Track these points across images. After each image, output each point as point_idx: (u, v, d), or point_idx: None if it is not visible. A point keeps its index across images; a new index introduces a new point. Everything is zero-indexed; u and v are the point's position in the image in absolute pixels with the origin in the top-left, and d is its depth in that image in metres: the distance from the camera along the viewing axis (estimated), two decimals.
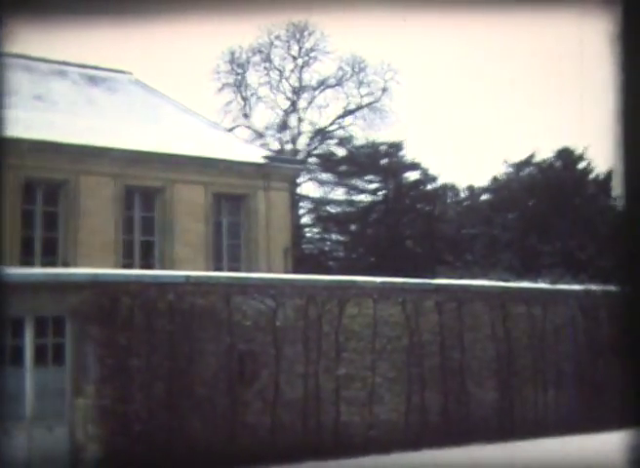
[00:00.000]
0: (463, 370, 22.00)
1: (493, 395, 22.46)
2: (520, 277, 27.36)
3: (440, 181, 41.55)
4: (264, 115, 51.86)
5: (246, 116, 51.37)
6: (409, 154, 41.13)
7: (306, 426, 19.18)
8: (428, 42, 73.38)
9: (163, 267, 26.04)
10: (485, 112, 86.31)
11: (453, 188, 42.70)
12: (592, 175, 38.18)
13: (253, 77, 51.33)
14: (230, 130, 46.53)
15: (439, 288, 22.56)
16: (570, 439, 21.71)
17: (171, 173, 27.39)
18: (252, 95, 51.52)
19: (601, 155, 43.41)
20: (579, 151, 38.30)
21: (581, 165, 38.33)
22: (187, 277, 18.85)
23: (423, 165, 40.88)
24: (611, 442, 20.96)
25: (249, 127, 51.36)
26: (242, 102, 51.35)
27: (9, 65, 4.51)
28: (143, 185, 27.25)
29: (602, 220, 33.82)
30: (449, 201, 42.21)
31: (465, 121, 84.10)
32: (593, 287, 26.21)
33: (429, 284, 22.66)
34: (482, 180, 41.17)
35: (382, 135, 49.00)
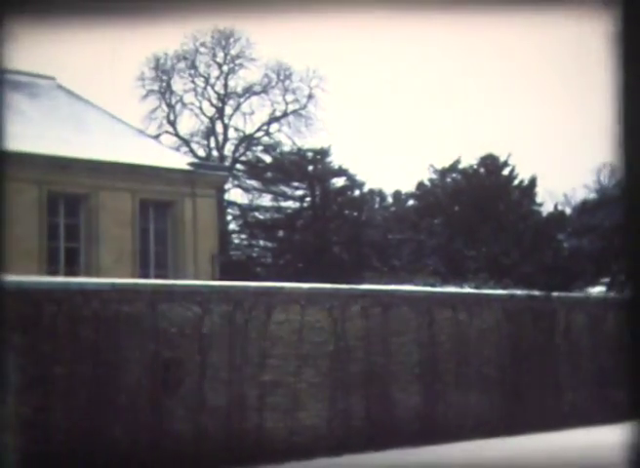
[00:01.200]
0: (388, 375, 22.17)
1: (416, 399, 22.65)
2: (445, 282, 27.64)
3: (367, 187, 41.82)
4: (190, 122, 51.56)
5: (171, 123, 51.11)
6: (336, 160, 41.32)
7: (230, 433, 19.14)
8: (355, 47, 73.76)
9: (88, 274, 25.78)
10: (414, 117, 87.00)
11: (380, 194, 43.00)
12: (516, 182, 38.73)
13: (178, 84, 51.11)
14: (156, 137, 46.25)
15: (365, 293, 22.71)
16: (491, 441, 22.02)
17: (96, 179, 27.15)
18: (177, 102, 51.29)
19: (525, 161, 44.14)
20: (503, 158, 38.83)
21: (506, 171, 38.84)
22: (113, 284, 18.72)
23: (351, 171, 41.09)
24: (530, 444, 21.35)
25: (174, 134, 51.11)
26: (167, 109, 51.08)
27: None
28: (68, 192, 26.97)
29: (525, 226, 34.35)
30: (376, 207, 42.50)
31: (394, 126, 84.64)
32: (517, 291, 26.63)
33: (356, 289, 22.80)
34: (409, 186, 41.40)
35: (309, 141, 49.18)
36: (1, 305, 5.39)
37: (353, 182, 40.87)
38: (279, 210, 40.85)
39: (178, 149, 46.59)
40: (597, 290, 32.49)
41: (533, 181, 38.81)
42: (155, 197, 28.96)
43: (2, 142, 4.35)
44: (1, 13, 4.00)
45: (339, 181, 41.08)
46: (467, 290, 26.15)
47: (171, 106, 51.14)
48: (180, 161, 31.43)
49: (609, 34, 3.67)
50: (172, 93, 51.00)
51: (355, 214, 39.66)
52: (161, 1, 4.81)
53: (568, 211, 42.64)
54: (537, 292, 26.82)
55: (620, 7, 3.67)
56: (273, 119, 52.19)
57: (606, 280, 33.64)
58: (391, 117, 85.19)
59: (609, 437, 22.70)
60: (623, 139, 3.66)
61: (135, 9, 4.70)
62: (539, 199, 39.85)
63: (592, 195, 72.15)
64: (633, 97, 3.67)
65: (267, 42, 48.88)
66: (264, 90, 52.15)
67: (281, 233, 40.37)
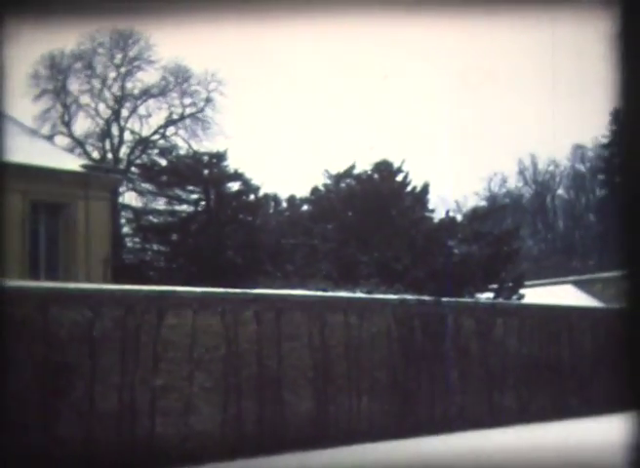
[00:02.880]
0: (280, 380, 22.32)
1: (308, 403, 22.86)
2: (338, 286, 27.94)
3: (262, 192, 41.90)
4: (85, 123, 50.93)
5: (66, 124, 50.41)
6: (232, 164, 41.29)
7: (121, 438, 19.04)
8: (255, 50, 73.86)
9: None
10: (313, 122, 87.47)
11: (275, 198, 43.13)
12: (409, 188, 39.27)
13: (74, 84, 50.43)
14: (49, 137, 45.58)
15: (258, 297, 22.83)
16: (381, 445, 22.37)
17: None
18: (72, 102, 50.60)
19: (418, 167, 44.84)
20: (397, 164, 39.32)
21: (399, 177, 39.34)
22: (1, 286, 18.40)
23: (246, 175, 41.12)
24: (420, 447, 21.74)
25: (69, 135, 50.43)
26: (62, 110, 50.34)
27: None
28: None
29: (417, 232, 34.89)
30: (271, 211, 42.61)
31: (291, 131, 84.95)
32: (408, 296, 27.08)
33: (248, 294, 22.89)
34: (304, 191, 41.64)
35: (206, 145, 49.10)
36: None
37: (248, 187, 40.90)
38: (173, 213, 40.62)
39: (72, 151, 46.03)
40: (486, 295, 33.24)
41: (425, 188, 39.43)
42: (47, 198, 28.58)
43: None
44: (1, 13, 3.99)
45: (234, 186, 41.07)
46: (359, 294, 26.49)
47: (66, 107, 50.43)
48: (74, 162, 31.05)
49: (608, 34, 3.72)
50: (67, 93, 50.32)
51: (250, 218, 39.71)
52: (159, 2, 4.84)
53: (459, 217, 43.48)
54: (427, 298, 27.32)
55: (619, 7, 3.71)
56: (170, 122, 51.97)
57: (494, 286, 34.43)
58: (289, 122, 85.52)
59: (494, 440, 23.32)
60: (623, 138, 3.72)
61: (135, 9, 4.73)
62: (431, 205, 40.58)
63: (483, 202, 73.94)
64: (633, 96, 3.70)
65: (167, 44, 48.57)
66: (162, 92, 51.89)
67: (175, 237, 40.16)
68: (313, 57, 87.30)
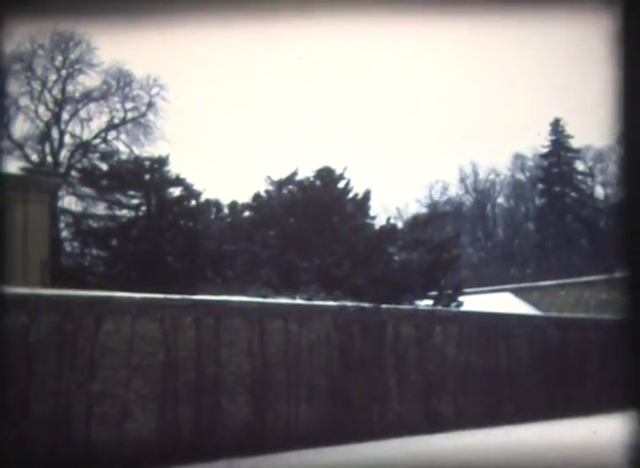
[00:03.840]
0: (218, 386, 22.28)
1: (246, 410, 22.85)
2: (278, 293, 27.98)
3: (204, 197, 41.78)
4: (25, 126, 50.42)
5: (4, 126, 49.84)
6: (174, 170, 41.12)
7: (55, 444, 18.86)
8: (200, 55, 73.67)
9: None
10: (256, 128, 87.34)
11: (216, 204, 43.02)
12: (351, 195, 39.45)
13: (13, 86, 49.91)
14: None
15: (197, 304, 22.76)
16: (318, 451, 22.43)
17: None
18: (11, 104, 50.06)
19: (360, 174, 45.05)
20: (339, 171, 39.47)
21: (341, 184, 39.50)
22: None
23: (188, 181, 40.97)
24: (357, 453, 21.81)
25: (8, 137, 49.86)
26: (0, 112, 49.77)
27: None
28: None
29: (358, 238, 35.06)
30: (212, 217, 42.49)
31: (235, 137, 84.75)
32: (347, 303, 27.19)
33: (188, 300, 22.81)
34: (246, 197, 41.57)
35: (147, 150, 48.89)
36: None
37: (190, 192, 40.76)
38: (113, 218, 40.34)
39: (10, 153, 45.54)
40: (425, 302, 33.50)
41: (367, 195, 39.65)
42: None
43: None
44: (1, 13, 3.94)
45: (175, 191, 40.92)
46: (299, 301, 26.55)
47: (4, 109, 49.89)
48: (13, 165, 30.74)
49: (609, 33, 3.71)
50: (6, 95, 49.77)
51: (191, 224, 39.57)
52: (159, 2, 4.82)
53: (400, 224, 43.79)
54: (366, 304, 27.45)
55: (620, 7, 3.70)
56: (111, 126, 51.68)
57: (434, 293, 34.71)
58: (232, 128, 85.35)
59: (431, 446, 23.51)
60: (623, 138, 3.70)
61: (134, 9, 4.70)
62: (372, 212, 40.80)
63: (424, 210, 74.50)
64: (633, 96, 3.68)
65: (108, 48, 48.31)
66: (103, 96, 51.60)
67: (115, 242, 39.87)
68: (257, 62, 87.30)
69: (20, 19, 4.30)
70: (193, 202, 40.96)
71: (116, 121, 51.55)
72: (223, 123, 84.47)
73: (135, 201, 40.13)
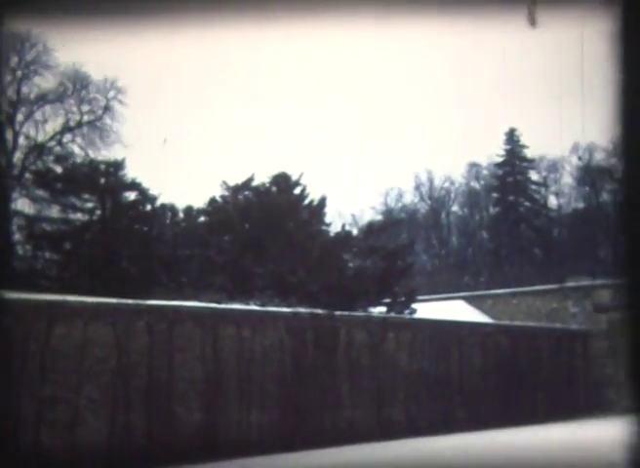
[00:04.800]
0: (170, 392, 22.24)
1: (198, 415, 22.82)
2: (232, 299, 27.93)
3: (159, 202, 41.60)
4: None
5: None
6: (130, 174, 40.90)
7: (3, 450, 18.68)
8: (157, 58, 73.38)
9: None
10: (213, 133, 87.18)
11: (172, 209, 42.83)
12: (307, 201, 39.50)
13: None
14: None
15: (151, 309, 22.72)
16: (270, 458, 22.45)
17: None
18: None
19: (316, 181, 45.15)
20: (295, 177, 39.52)
21: (297, 190, 39.55)
22: None
23: (144, 185, 40.77)
24: (308, 460, 21.86)
25: None
26: None
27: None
28: None
29: (313, 245, 35.11)
30: (167, 222, 42.31)
31: (191, 142, 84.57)
32: (301, 309, 27.26)
33: (141, 304, 22.75)
34: (201, 202, 41.45)
35: (103, 153, 48.62)
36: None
37: (145, 197, 40.52)
38: (67, 222, 40.00)
39: None
40: (378, 310, 33.63)
41: (322, 201, 39.71)
42: None
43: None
44: (1, 13, 3.92)
45: (131, 195, 40.69)
46: (252, 307, 26.56)
47: None
48: None
49: (609, 34, 3.70)
50: None
51: (145, 228, 39.37)
52: (159, 2, 4.82)
53: (355, 231, 43.92)
54: (320, 311, 27.53)
55: (620, 7, 3.69)
56: (67, 129, 51.30)
57: (387, 300, 34.85)
58: (189, 133, 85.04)
59: (382, 454, 23.61)
60: (623, 139, 3.69)
61: (134, 9, 4.69)
62: (327, 219, 40.85)
63: (379, 217, 74.78)
64: (633, 96, 3.68)
65: (65, 49, 48.01)
66: (59, 98, 51.20)
67: (68, 245, 39.56)
68: (215, 66, 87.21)
69: (20, 19, 4.33)
70: (148, 206, 40.72)
71: (72, 124, 51.19)
72: (181, 128, 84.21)
73: (89, 204, 39.83)
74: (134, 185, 40.46)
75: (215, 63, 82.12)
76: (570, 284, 43.40)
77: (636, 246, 3.66)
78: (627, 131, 3.68)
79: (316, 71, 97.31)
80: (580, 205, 77.89)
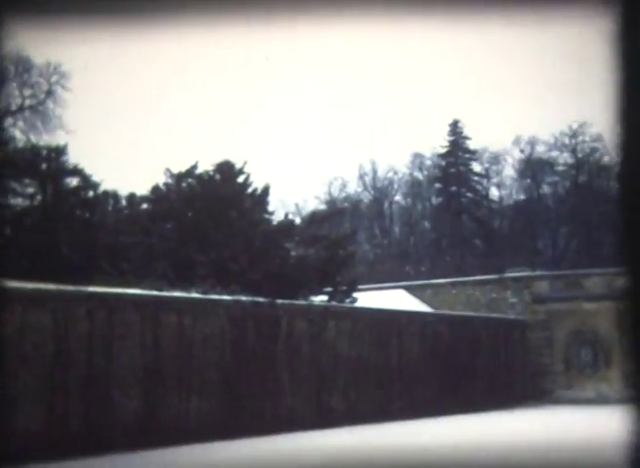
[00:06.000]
0: (109, 379, 22.20)
1: (137, 403, 22.81)
2: (173, 286, 27.89)
3: (102, 189, 41.32)
4: None
5: None
6: (72, 160, 40.56)
7: None
8: (108, 47, 72.74)
9: None
10: (158, 120, 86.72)
11: (114, 196, 42.57)
12: (250, 189, 39.51)
13: None
14: None
15: (91, 295, 22.64)
16: (209, 445, 22.52)
17: None
18: None
19: (260, 169, 45.14)
20: (239, 165, 39.48)
21: (241, 178, 39.53)
22: None
23: (86, 171, 40.46)
24: (247, 448, 22.00)
25: None
26: None
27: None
28: None
29: (255, 233, 35.18)
30: (109, 209, 42.05)
31: (135, 129, 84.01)
32: (242, 297, 27.33)
33: (81, 291, 22.67)
34: (144, 189, 41.23)
35: (45, 138, 48.15)
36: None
37: (88, 183, 40.21)
38: (7, 207, 39.65)
39: None
40: (320, 298, 33.83)
41: (266, 190, 39.74)
42: None
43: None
44: (1, 13, 3.93)
45: (72, 181, 40.38)
46: (194, 294, 26.57)
47: None
48: None
49: (608, 34, 3.70)
50: None
51: (87, 215, 39.12)
52: (159, 2, 4.83)
53: (298, 220, 44.05)
54: (262, 299, 27.64)
55: (620, 7, 3.69)
56: (8, 113, 50.67)
57: (329, 289, 35.06)
58: (134, 119, 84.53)
59: (320, 441, 23.81)
60: (623, 139, 3.69)
61: (134, 9, 4.70)
62: (271, 208, 40.91)
63: (322, 206, 74.98)
64: (633, 96, 3.68)
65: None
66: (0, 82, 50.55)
67: (8, 231, 39.21)
68: (165, 54, 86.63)
69: (20, 19, 4.37)
70: (91, 193, 40.46)
71: (13, 108, 50.65)
72: (125, 115, 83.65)
73: (30, 190, 39.46)
74: (76, 171, 40.13)
75: (163, 50, 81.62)
76: (509, 274, 44.01)
77: (636, 246, 3.69)
78: (627, 131, 3.71)
79: (263, 60, 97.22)
80: (522, 197, 78.82)
